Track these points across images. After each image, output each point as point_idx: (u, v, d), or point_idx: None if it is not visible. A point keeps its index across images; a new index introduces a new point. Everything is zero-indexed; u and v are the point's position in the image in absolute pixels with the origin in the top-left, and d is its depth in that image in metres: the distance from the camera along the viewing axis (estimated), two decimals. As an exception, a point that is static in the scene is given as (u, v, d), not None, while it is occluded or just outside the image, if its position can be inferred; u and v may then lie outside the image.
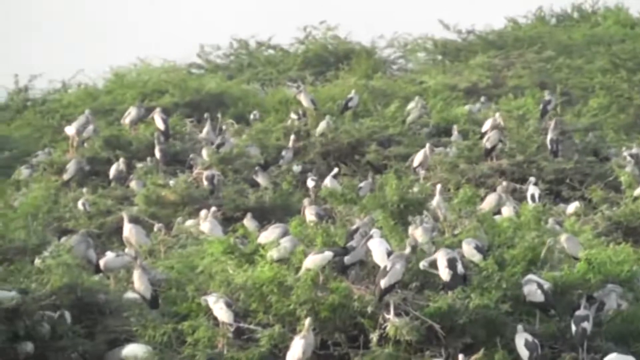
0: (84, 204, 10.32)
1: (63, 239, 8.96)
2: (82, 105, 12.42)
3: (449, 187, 12.50)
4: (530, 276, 8.53)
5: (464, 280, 8.39)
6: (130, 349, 7.65)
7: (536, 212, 10.78)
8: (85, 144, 11.68)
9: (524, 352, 7.98)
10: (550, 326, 8.52)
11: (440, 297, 8.25)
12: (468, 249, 8.77)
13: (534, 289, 8.41)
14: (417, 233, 9.24)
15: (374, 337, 8.00)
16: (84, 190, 10.69)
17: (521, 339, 8.04)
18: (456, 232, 9.73)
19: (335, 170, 12.35)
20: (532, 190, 12.99)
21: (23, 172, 11.12)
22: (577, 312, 8.39)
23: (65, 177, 10.87)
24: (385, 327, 7.97)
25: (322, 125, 13.89)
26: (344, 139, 13.84)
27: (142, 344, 7.66)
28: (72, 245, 8.64)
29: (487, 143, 14.17)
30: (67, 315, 7.74)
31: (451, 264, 8.32)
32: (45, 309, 7.65)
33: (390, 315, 7.96)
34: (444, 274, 8.33)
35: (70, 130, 11.42)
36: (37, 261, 8.34)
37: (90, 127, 11.56)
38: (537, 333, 8.27)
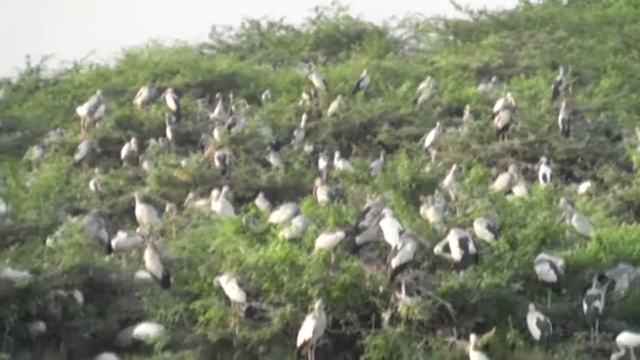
0: (95, 184, 10.10)
1: (75, 219, 8.74)
2: (94, 86, 12.09)
3: (461, 166, 12.25)
4: (543, 255, 8.38)
5: (475, 260, 8.23)
6: (142, 329, 7.50)
7: (548, 191, 10.58)
8: (97, 125, 11.40)
9: (535, 331, 7.82)
10: (562, 305, 8.36)
11: (452, 276, 8.09)
12: (480, 229, 8.62)
13: (546, 268, 8.27)
14: (429, 213, 9.11)
15: (386, 316, 7.85)
16: (96, 170, 10.46)
17: (533, 318, 7.89)
18: (468, 211, 9.54)
19: (337, 153, 12.07)
20: (543, 169, 12.73)
21: (35, 152, 10.88)
22: (589, 291, 8.22)
23: (77, 157, 10.62)
24: (397, 307, 7.82)
25: (334, 106, 13.60)
26: (355, 119, 13.55)
27: (154, 323, 7.51)
28: (83, 225, 8.44)
29: (498, 123, 13.89)
30: (79, 295, 7.60)
31: (463, 243, 8.19)
32: (57, 289, 7.51)
33: (402, 295, 7.81)
34: (456, 253, 8.17)
35: (82, 110, 11.15)
36: (49, 241, 8.16)
37: (102, 108, 11.26)
38: (549, 312, 8.11)
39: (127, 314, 7.63)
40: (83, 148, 10.69)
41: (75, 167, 10.56)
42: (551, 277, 8.20)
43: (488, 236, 8.61)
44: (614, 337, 7.99)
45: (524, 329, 7.91)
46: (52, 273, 7.50)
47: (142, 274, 8.02)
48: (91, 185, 9.95)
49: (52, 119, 12.29)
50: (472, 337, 7.57)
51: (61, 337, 7.33)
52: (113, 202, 9.70)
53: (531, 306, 7.97)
